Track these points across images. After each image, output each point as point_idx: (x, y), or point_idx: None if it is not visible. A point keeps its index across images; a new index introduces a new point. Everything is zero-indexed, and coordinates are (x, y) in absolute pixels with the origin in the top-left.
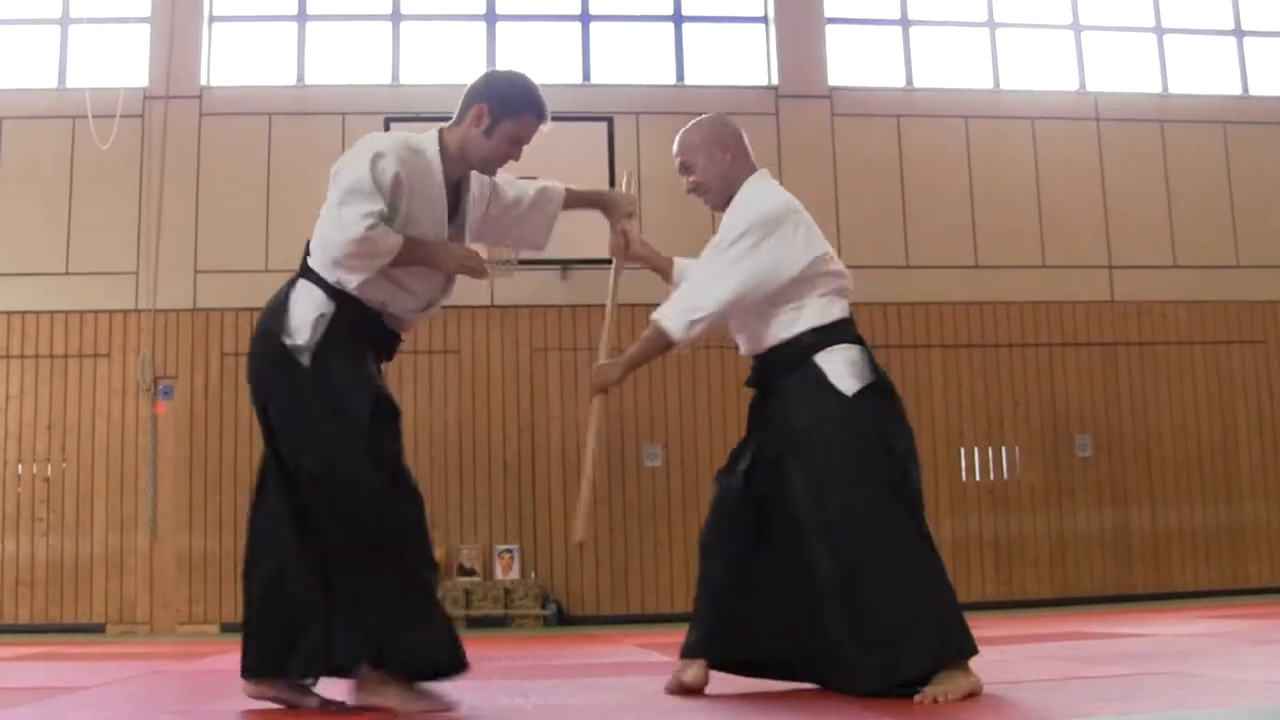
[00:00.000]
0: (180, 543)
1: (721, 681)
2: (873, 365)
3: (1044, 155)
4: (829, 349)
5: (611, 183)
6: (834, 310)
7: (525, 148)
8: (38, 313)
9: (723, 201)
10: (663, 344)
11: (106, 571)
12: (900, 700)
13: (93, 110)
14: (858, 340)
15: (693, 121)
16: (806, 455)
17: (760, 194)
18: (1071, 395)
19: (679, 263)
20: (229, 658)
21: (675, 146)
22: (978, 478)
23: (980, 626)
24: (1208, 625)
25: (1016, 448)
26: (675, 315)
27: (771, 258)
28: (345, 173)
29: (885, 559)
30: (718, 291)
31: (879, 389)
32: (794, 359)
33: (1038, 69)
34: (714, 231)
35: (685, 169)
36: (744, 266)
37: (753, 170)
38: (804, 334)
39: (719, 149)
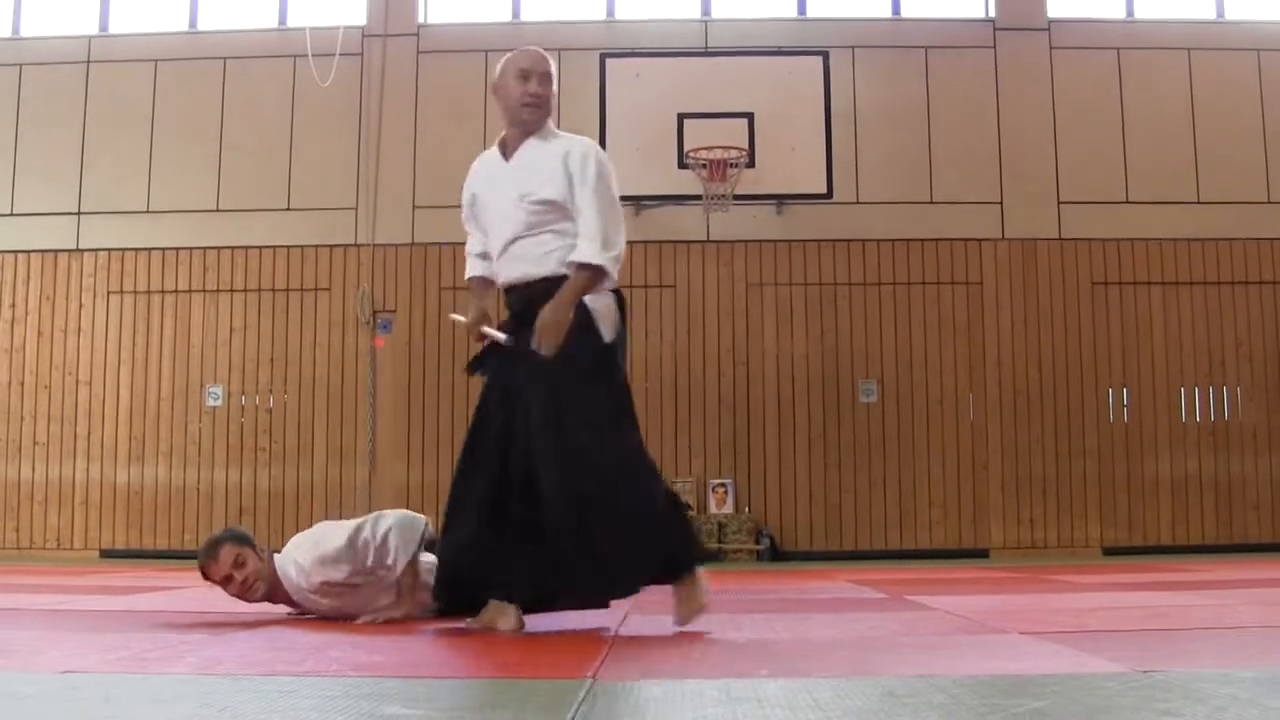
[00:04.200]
0: (398, 473)
1: (943, 619)
2: (621, 316)
3: (1270, 87)
4: (597, 294)
5: (828, 118)
6: None
7: (739, 87)
8: (260, 248)
9: (540, 125)
10: (598, 282)
11: (327, 500)
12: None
13: (313, 49)
14: (616, 290)
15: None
16: (553, 387)
17: (581, 138)
18: None
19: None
20: None
21: (544, 60)
22: (1198, 418)
23: (1199, 570)
24: None
25: (1239, 388)
26: (608, 259)
27: (616, 186)
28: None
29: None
30: (617, 222)
31: (620, 341)
32: (552, 294)
33: None
34: (930, 165)
35: (546, 82)
36: (616, 196)
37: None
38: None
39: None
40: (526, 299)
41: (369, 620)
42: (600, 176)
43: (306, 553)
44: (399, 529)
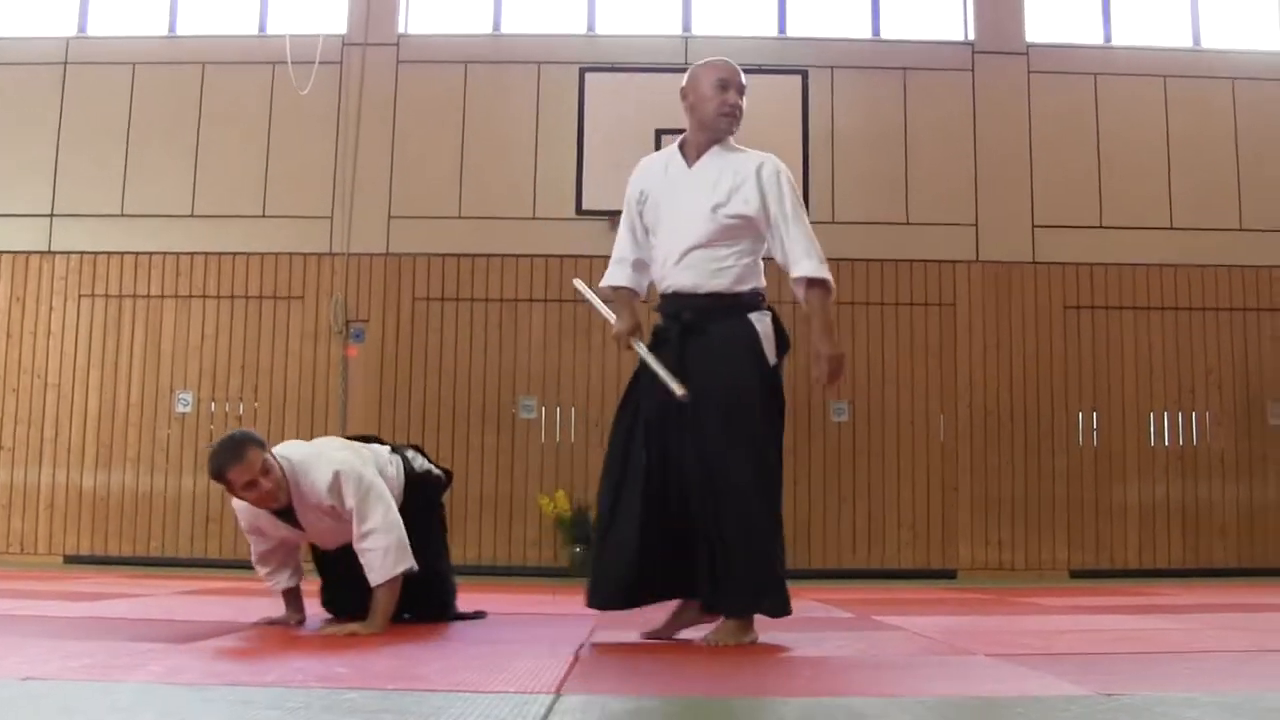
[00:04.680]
0: None
1: (909, 640)
2: (780, 335)
3: (1244, 116)
4: (760, 310)
5: (805, 137)
6: (763, 276)
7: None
8: (234, 254)
9: (726, 136)
10: (828, 297)
11: None
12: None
13: (292, 56)
14: (771, 308)
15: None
16: (730, 413)
17: (773, 156)
18: (1266, 362)
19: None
20: None
21: (740, 73)
22: (1166, 443)
23: (1165, 594)
24: None
25: (1208, 414)
26: (826, 272)
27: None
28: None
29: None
30: (813, 234)
31: (781, 364)
32: (735, 311)
33: (1240, 27)
34: (906, 186)
35: (741, 93)
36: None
37: None
38: (752, 290)
39: None
40: (695, 309)
41: (333, 632)
42: (795, 193)
43: (356, 468)
44: (400, 534)
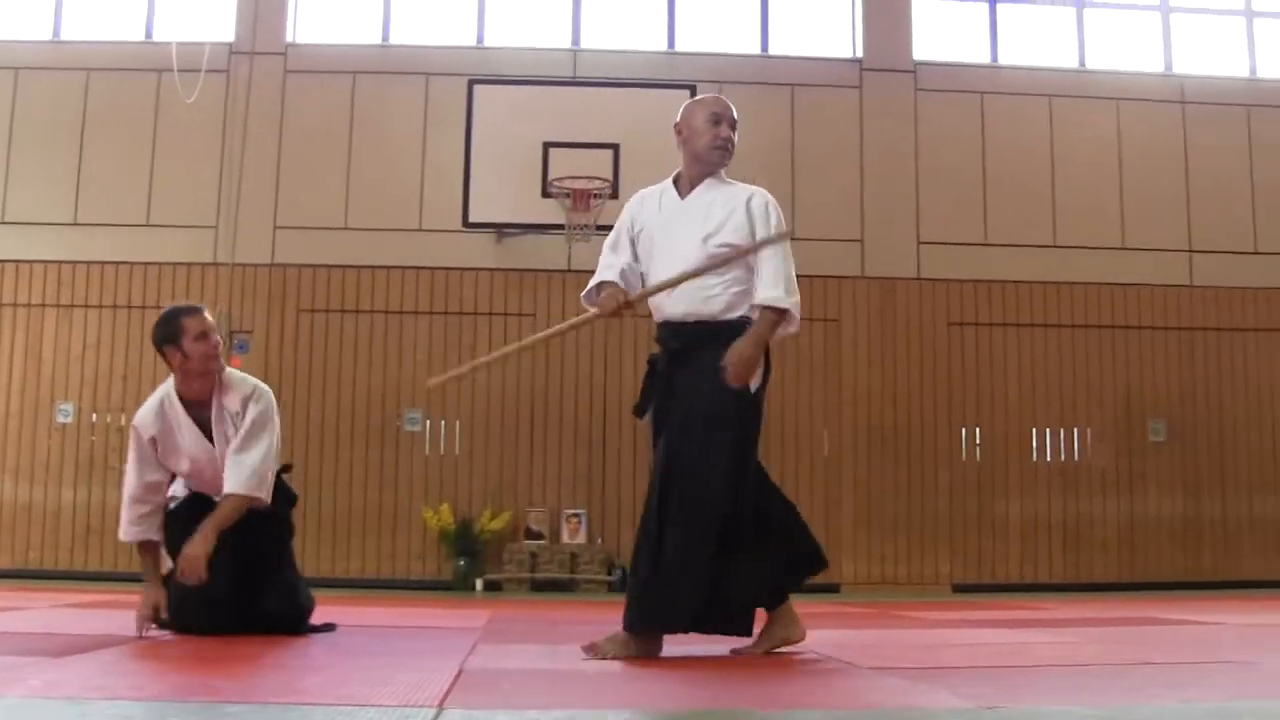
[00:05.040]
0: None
1: (789, 652)
2: (766, 361)
3: (1127, 137)
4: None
5: None
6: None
7: (605, 118)
8: (117, 263)
9: (718, 169)
10: (781, 325)
11: None
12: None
13: (178, 64)
14: None
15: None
16: (694, 429)
17: (763, 190)
18: (1146, 379)
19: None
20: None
21: (731, 109)
22: (1048, 459)
23: (1046, 608)
24: (1275, 615)
25: (1089, 430)
26: (792, 303)
27: None
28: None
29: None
30: (790, 267)
31: (764, 388)
32: (726, 338)
33: (1124, 50)
34: (793, 202)
35: (733, 127)
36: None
37: None
38: (743, 318)
39: None
40: (688, 337)
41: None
42: (781, 222)
43: (266, 392)
44: (272, 472)
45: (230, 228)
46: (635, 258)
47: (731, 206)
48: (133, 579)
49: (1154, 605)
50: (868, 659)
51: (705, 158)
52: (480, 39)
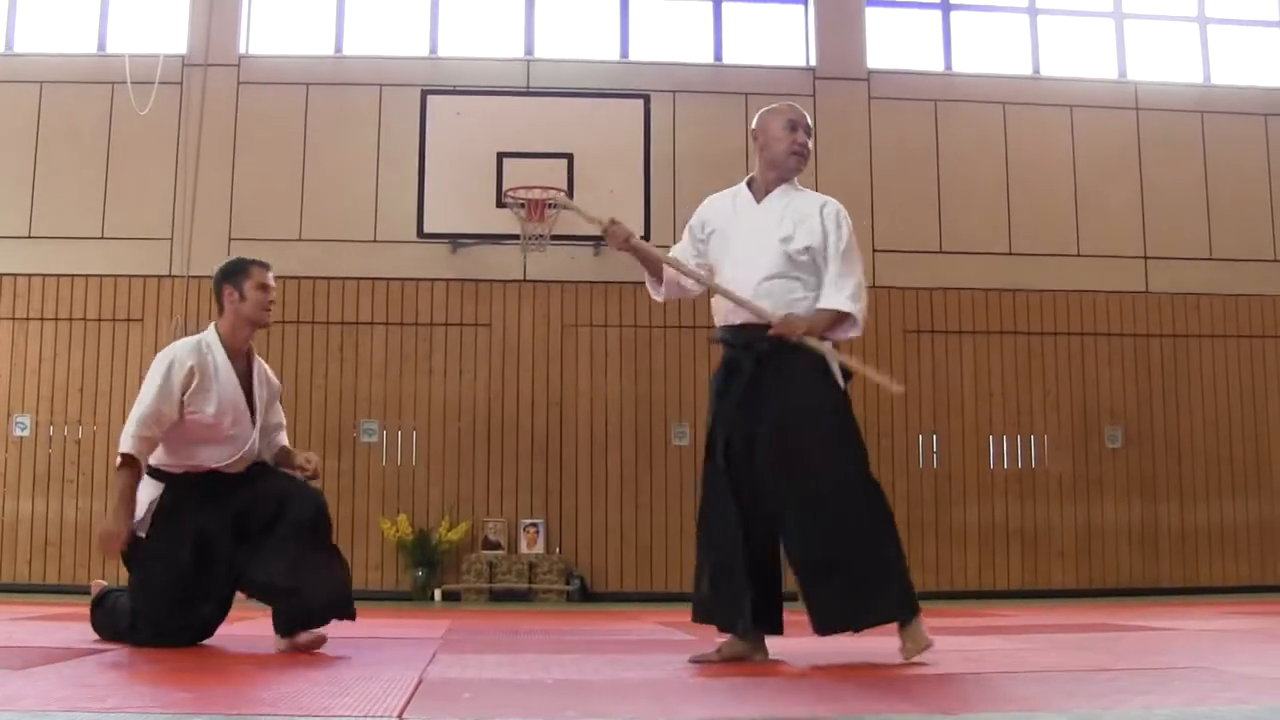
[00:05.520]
0: None
1: (748, 663)
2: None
3: (1082, 144)
4: (827, 342)
5: (647, 161)
6: None
7: (559, 128)
8: (72, 276)
9: (794, 174)
10: (840, 328)
11: None
12: (903, 677)
13: (132, 76)
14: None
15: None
16: (809, 425)
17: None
18: (1103, 386)
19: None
20: (257, 623)
21: (806, 117)
22: (1005, 466)
23: (1004, 615)
24: (1233, 621)
25: (1046, 437)
26: (858, 308)
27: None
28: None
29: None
30: (862, 274)
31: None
32: (803, 341)
33: (1078, 56)
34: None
35: (809, 134)
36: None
37: None
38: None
39: None
40: (776, 341)
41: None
42: (852, 235)
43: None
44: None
45: (185, 240)
46: (698, 254)
47: (807, 213)
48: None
49: (1112, 611)
50: (825, 667)
51: (782, 163)
52: (434, 49)
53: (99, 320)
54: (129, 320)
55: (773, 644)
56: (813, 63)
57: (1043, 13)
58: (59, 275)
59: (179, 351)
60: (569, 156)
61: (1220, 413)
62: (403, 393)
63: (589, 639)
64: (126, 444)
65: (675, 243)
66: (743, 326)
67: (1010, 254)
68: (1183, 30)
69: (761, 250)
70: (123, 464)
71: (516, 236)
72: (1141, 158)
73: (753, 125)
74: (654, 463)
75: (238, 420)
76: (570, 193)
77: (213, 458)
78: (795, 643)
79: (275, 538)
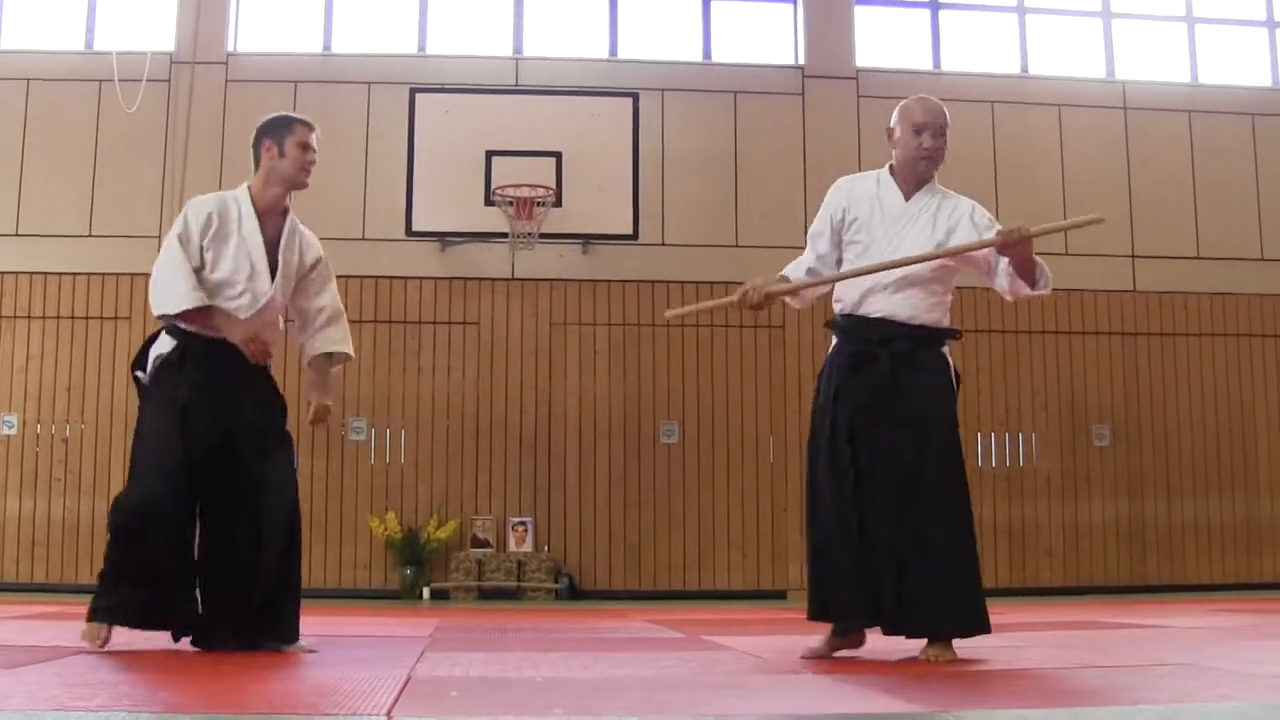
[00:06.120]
0: None
1: (739, 660)
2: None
3: (1070, 143)
4: (950, 345)
5: (635, 159)
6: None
7: (548, 126)
8: (60, 274)
9: (928, 178)
10: (1035, 269)
11: None
12: (904, 675)
13: (119, 74)
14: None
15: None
16: (933, 433)
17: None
18: (1090, 385)
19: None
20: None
21: (941, 112)
22: (993, 464)
23: (992, 613)
24: (1220, 619)
25: (1033, 435)
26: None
27: None
28: None
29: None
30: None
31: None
32: (936, 343)
33: (1066, 55)
34: (735, 209)
35: (940, 135)
36: None
37: None
38: (950, 325)
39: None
40: (909, 339)
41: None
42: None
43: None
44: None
45: None
46: (835, 245)
47: (957, 217)
48: (81, 590)
49: (1099, 609)
50: (814, 664)
51: (910, 168)
52: (422, 47)
53: (86, 318)
54: (116, 318)
55: (764, 643)
56: (801, 61)
57: (1031, 12)
58: (46, 273)
59: (199, 202)
60: (558, 155)
61: (1207, 411)
62: (391, 391)
63: (577, 637)
64: (185, 300)
65: (663, 241)
66: (880, 321)
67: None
68: (1170, 30)
69: (914, 252)
70: (176, 323)
71: (505, 235)
72: (1129, 157)
73: (889, 122)
74: (642, 461)
75: (255, 276)
76: (559, 191)
77: (222, 305)
78: (782, 640)
79: (239, 535)
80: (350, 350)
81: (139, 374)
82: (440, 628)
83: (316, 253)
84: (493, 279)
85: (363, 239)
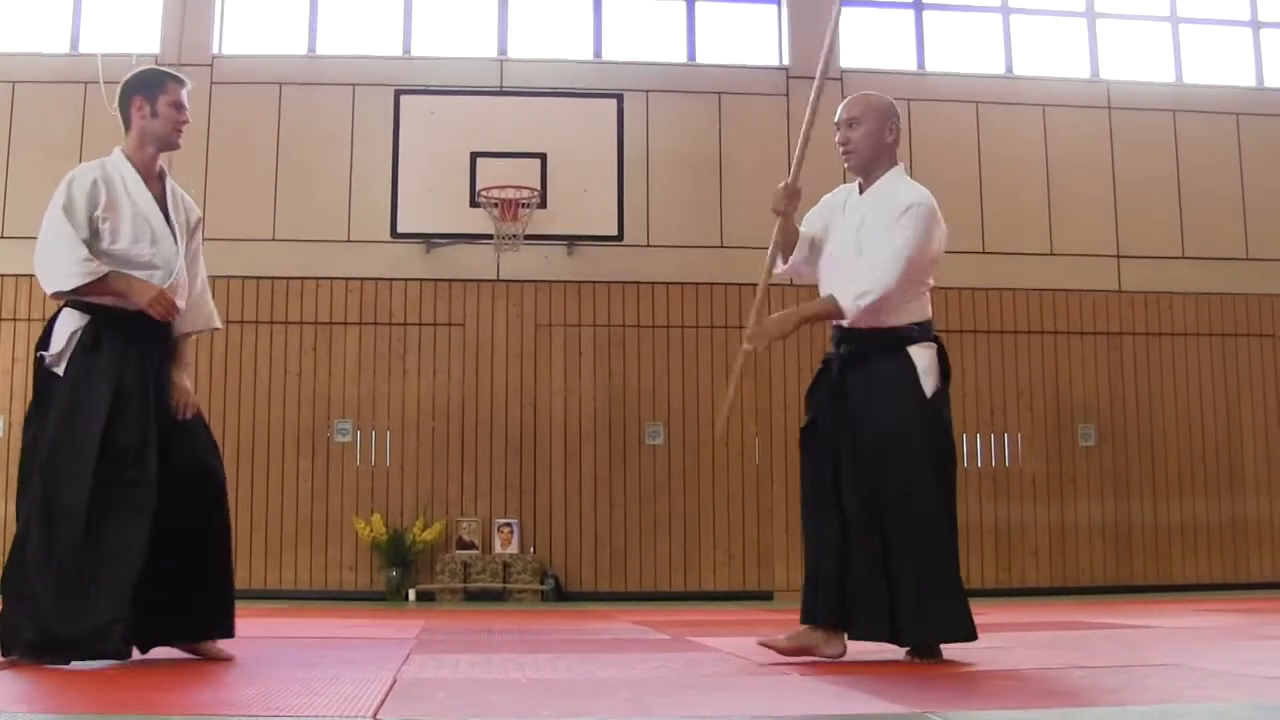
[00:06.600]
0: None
1: (724, 661)
2: (943, 365)
3: (1055, 143)
4: (920, 344)
5: (620, 160)
6: (928, 309)
7: (533, 127)
8: None
9: (862, 169)
10: (834, 314)
11: None
12: (892, 674)
13: (105, 76)
14: (937, 339)
15: (873, 93)
16: (885, 447)
17: (916, 187)
18: (1076, 385)
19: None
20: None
21: (850, 104)
22: (979, 464)
23: (978, 614)
24: (1207, 619)
25: (1019, 436)
26: (848, 294)
27: (927, 241)
28: None
29: (929, 539)
30: (886, 276)
31: (946, 390)
32: (892, 345)
33: (1051, 55)
34: (720, 210)
35: (850, 124)
36: (907, 251)
37: (896, 162)
38: (910, 325)
39: (887, 129)
40: (854, 342)
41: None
42: (914, 228)
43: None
44: None
45: None
46: (812, 243)
47: (885, 205)
48: None
49: (1086, 610)
50: (799, 665)
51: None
52: (407, 49)
53: None
54: None
55: (750, 644)
56: (786, 62)
57: (1015, 12)
58: (32, 275)
59: (77, 169)
60: (542, 156)
61: (1193, 411)
62: (376, 393)
63: (563, 638)
64: (78, 275)
65: (648, 242)
66: (835, 326)
67: (983, 253)
68: (1155, 30)
69: (846, 250)
70: (75, 298)
71: (490, 236)
72: (1114, 157)
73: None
74: (628, 462)
75: (157, 240)
76: (544, 192)
77: (128, 269)
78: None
79: (178, 526)
80: (219, 322)
81: (44, 354)
82: (426, 629)
83: (197, 213)
84: (478, 280)
85: (348, 241)
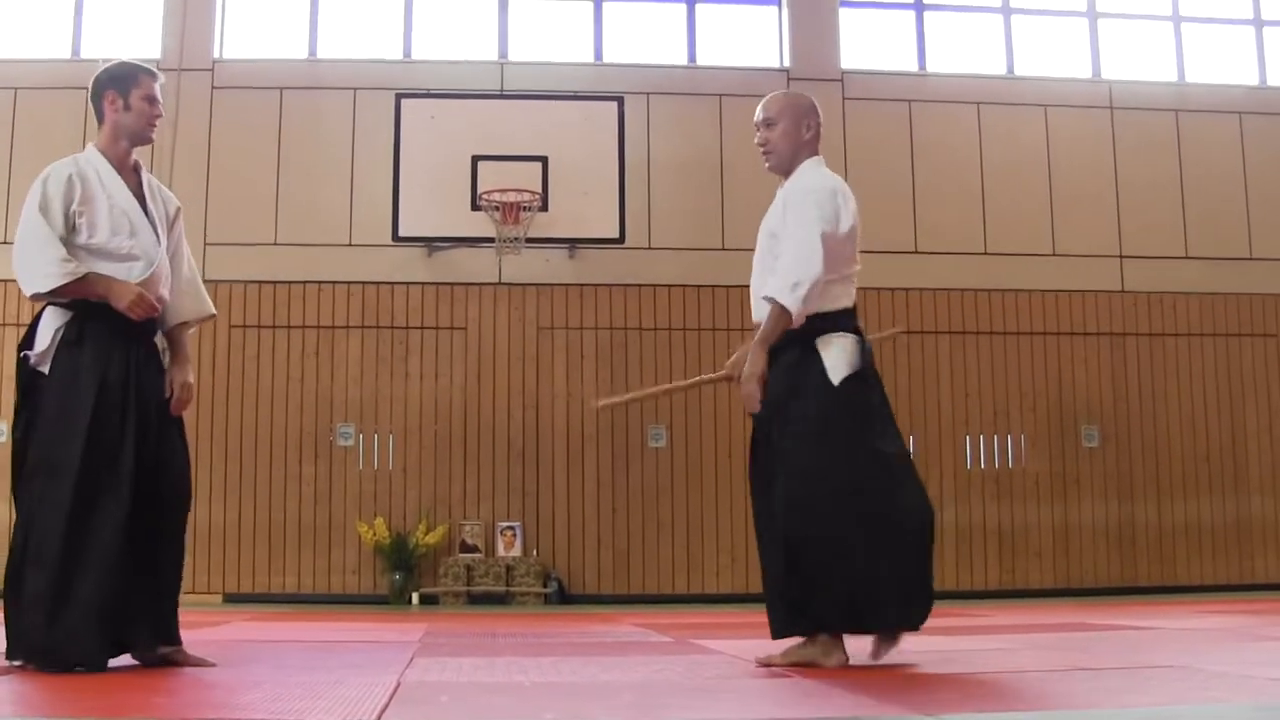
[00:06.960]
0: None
1: (727, 664)
2: (861, 354)
3: (1056, 143)
4: (828, 335)
5: (621, 163)
6: (842, 299)
7: (534, 130)
8: None
9: (781, 169)
10: (785, 318)
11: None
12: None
13: None
14: (856, 330)
15: (791, 90)
16: (784, 432)
17: (820, 172)
18: (1079, 386)
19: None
20: (235, 627)
21: (767, 104)
22: (982, 466)
23: (981, 615)
24: (1211, 620)
25: (1022, 437)
26: (783, 290)
27: (835, 219)
28: None
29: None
30: (808, 255)
31: (862, 376)
32: (795, 339)
33: (1052, 56)
34: (722, 213)
35: (767, 125)
36: (818, 229)
37: (815, 154)
38: (811, 319)
39: (803, 125)
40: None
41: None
42: (813, 209)
43: None
44: None
45: None
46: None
47: (791, 197)
48: None
49: (1089, 611)
50: (806, 669)
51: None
52: (408, 52)
53: None
54: None
55: (753, 647)
56: (786, 64)
57: (1016, 12)
58: None
59: (50, 167)
60: (544, 159)
61: (1197, 412)
62: (379, 396)
63: (566, 641)
64: (57, 276)
65: (650, 244)
66: (757, 326)
67: (986, 254)
68: (1157, 29)
69: (764, 253)
70: (54, 299)
71: (491, 239)
72: (1116, 157)
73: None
74: (630, 465)
75: (136, 232)
76: (545, 195)
77: (118, 275)
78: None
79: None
80: (214, 308)
81: (28, 353)
82: (430, 633)
83: (176, 203)
84: (479, 284)
85: (349, 245)
